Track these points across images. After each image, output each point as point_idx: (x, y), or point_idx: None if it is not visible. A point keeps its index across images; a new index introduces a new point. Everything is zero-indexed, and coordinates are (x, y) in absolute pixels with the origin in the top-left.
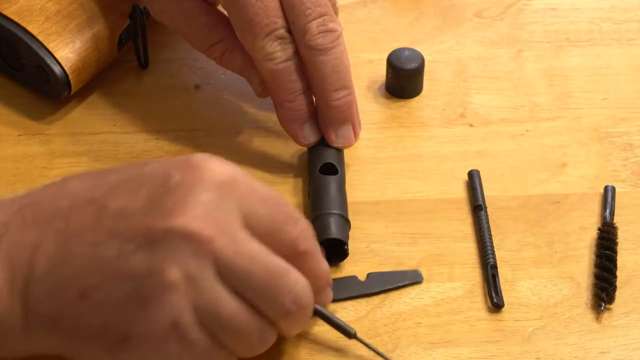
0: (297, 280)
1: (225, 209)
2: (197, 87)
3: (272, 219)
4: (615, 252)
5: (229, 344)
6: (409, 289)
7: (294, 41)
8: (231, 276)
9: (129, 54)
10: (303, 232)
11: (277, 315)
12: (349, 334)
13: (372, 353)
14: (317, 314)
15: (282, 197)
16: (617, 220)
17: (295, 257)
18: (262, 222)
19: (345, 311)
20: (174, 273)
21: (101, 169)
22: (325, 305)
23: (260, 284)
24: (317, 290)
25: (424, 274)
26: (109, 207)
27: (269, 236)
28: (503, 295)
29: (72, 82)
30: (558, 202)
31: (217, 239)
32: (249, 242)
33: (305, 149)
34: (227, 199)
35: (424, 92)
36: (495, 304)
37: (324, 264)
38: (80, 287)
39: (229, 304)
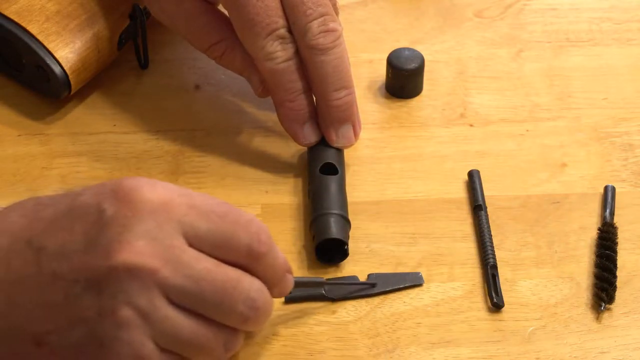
0: (250, 286)
1: (165, 235)
2: (197, 87)
3: (218, 232)
4: (615, 252)
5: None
6: (409, 289)
7: (294, 41)
8: (183, 300)
9: (129, 54)
10: (256, 235)
11: (237, 323)
12: (320, 284)
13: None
14: (296, 286)
15: (226, 205)
16: (617, 220)
17: (252, 260)
18: (208, 237)
19: (345, 311)
20: (125, 311)
21: (39, 200)
22: (286, 292)
23: (214, 300)
24: (276, 282)
25: (424, 274)
26: (47, 248)
27: (220, 248)
28: (503, 295)
29: (72, 82)
30: (558, 202)
31: (161, 268)
32: (195, 262)
33: (305, 149)
34: (165, 223)
35: (424, 92)
36: (495, 304)
37: (280, 255)
38: (34, 333)
39: (187, 326)
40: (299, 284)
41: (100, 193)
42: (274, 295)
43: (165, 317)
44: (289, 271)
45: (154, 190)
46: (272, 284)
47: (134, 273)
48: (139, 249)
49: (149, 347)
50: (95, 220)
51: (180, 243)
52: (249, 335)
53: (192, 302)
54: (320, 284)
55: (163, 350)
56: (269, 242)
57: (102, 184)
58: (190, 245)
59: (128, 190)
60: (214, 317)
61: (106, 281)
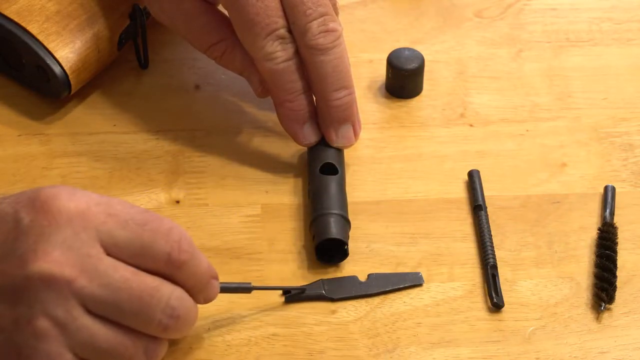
0: (169, 294)
1: (82, 243)
2: (197, 87)
3: (137, 241)
4: (615, 252)
5: None
6: (409, 289)
7: (294, 41)
8: (101, 309)
9: (129, 54)
10: (176, 244)
11: (157, 331)
12: (248, 289)
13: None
14: (222, 291)
15: (147, 213)
16: (617, 220)
17: (173, 268)
18: (127, 246)
19: (345, 311)
20: (42, 322)
21: None
22: (212, 299)
23: (132, 308)
24: (200, 288)
25: (424, 274)
26: None
27: (139, 257)
28: (503, 295)
29: (72, 82)
30: (558, 202)
31: (78, 277)
32: (112, 271)
33: (305, 149)
34: (82, 231)
35: (424, 92)
36: (495, 304)
37: (203, 262)
38: None
39: (104, 335)
40: (224, 289)
41: (17, 202)
42: (199, 302)
43: (83, 327)
44: (214, 277)
45: (72, 198)
46: (195, 291)
47: (50, 283)
48: (55, 258)
49: (67, 357)
50: (11, 229)
51: (97, 252)
52: (173, 342)
53: (109, 311)
54: (248, 289)
55: (82, 359)
56: (190, 250)
57: (21, 192)
58: (109, 254)
59: (45, 199)
60: (132, 326)
61: (22, 291)
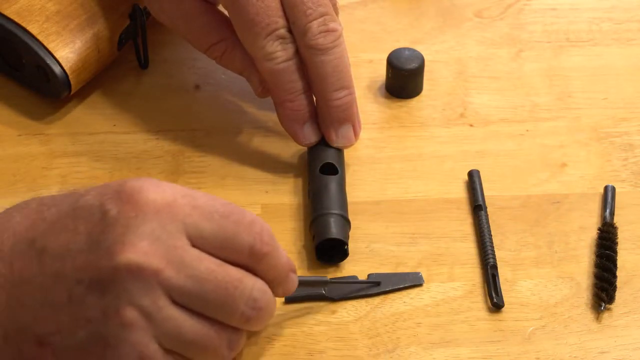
0: (252, 286)
1: (169, 235)
2: (197, 87)
3: (221, 232)
4: (615, 252)
5: None
6: (409, 289)
7: (294, 41)
8: (186, 300)
9: (129, 54)
10: (258, 235)
11: (240, 322)
12: (324, 282)
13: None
14: (300, 285)
15: (230, 205)
16: (617, 220)
17: (255, 260)
18: (212, 238)
19: (345, 311)
20: (129, 312)
21: (42, 200)
22: (291, 292)
23: (216, 300)
24: (280, 281)
25: (424, 274)
26: (50, 248)
27: (222, 248)
28: (503, 295)
29: (72, 82)
30: (558, 202)
31: (165, 268)
32: (198, 262)
33: (305, 149)
34: (169, 223)
35: (424, 92)
36: (495, 304)
37: (283, 255)
38: (36, 334)
39: (190, 326)
40: (303, 283)
41: (103, 194)
42: (277, 295)
43: (169, 318)
44: (293, 270)
45: (158, 190)
46: (275, 284)
47: (137, 273)
48: (142, 249)
49: (153, 347)
50: (98, 221)
51: (183, 243)
52: (251, 335)
53: (195, 302)
54: (324, 283)
55: (167, 350)
56: (272, 242)
57: (105, 184)
58: (194, 245)
59: (131, 191)
60: (216, 317)
61: (110, 281)
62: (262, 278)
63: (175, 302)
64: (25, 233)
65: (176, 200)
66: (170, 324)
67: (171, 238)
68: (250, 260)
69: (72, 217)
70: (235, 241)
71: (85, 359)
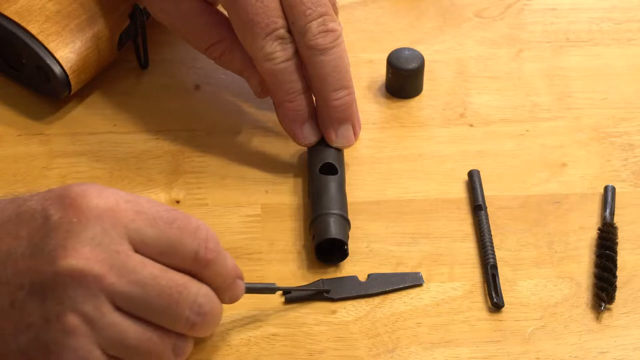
0: (197, 291)
1: (111, 240)
2: (197, 87)
3: (165, 238)
4: (615, 252)
5: None
6: (409, 289)
7: (294, 41)
8: (129, 306)
9: (129, 54)
10: (203, 242)
11: (184, 329)
12: (273, 290)
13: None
14: (247, 292)
15: (175, 211)
16: (617, 220)
17: (200, 266)
18: (155, 243)
19: (345, 311)
20: (71, 318)
21: None
22: (237, 298)
23: (160, 306)
24: (226, 287)
25: (424, 274)
26: None
27: (166, 254)
28: (503, 295)
29: (72, 82)
30: (558, 202)
31: (106, 274)
32: (141, 267)
33: (305, 149)
34: (111, 229)
35: (424, 92)
36: (495, 304)
37: (229, 261)
38: None
39: (133, 332)
40: (250, 289)
41: (46, 199)
42: (224, 302)
43: (112, 324)
44: (240, 277)
45: (101, 196)
46: (221, 290)
47: (80, 279)
48: (84, 255)
49: (96, 354)
50: (40, 226)
51: (126, 249)
52: (199, 341)
53: (138, 308)
54: (272, 290)
55: (110, 356)
56: (217, 249)
57: (49, 190)
58: (137, 251)
59: (74, 196)
60: (160, 323)
61: (51, 287)
62: (208, 284)
63: (118, 308)
64: None
65: (119, 205)
66: (113, 330)
67: (114, 243)
68: (195, 266)
69: (14, 222)
70: (179, 247)
71: None
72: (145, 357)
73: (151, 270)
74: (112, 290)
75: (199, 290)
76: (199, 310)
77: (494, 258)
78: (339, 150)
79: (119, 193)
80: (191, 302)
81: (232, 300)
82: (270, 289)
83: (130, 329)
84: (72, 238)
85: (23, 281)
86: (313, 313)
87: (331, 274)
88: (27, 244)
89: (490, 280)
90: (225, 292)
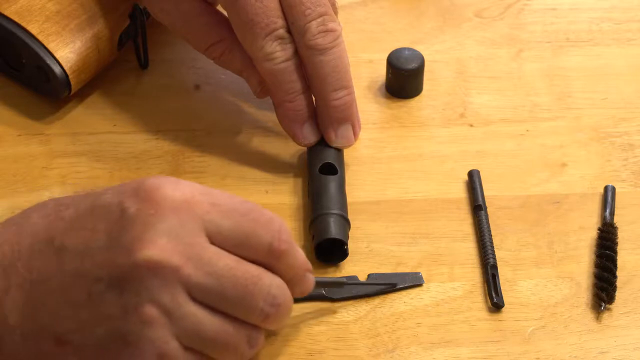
0: (270, 283)
1: (187, 232)
2: (197, 87)
3: (240, 230)
4: (615, 252)
5: (220, 358)
6: (409, 289)
7: (293, 41)
8: (205, 297)
9: (129, 54)
10: (277, 234)
11: (258, 320)
12: (341, 284)
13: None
14: (317, 286)
15: (248, 203)
16: (617, 220)
17: (273, 258)
18: (230, 235)
19: (345, 311)
20: (149, 309)
21: (60, 200)
22: (308, 291)
23: (235, 297)
24: (297, 280)
25: (424, 274)
26: (69, 247)
27: (241, 246)
28: (503, 295)
29: (72, 82)
30: (558, 202)
31: (183, 265)
32: (217, 259)
33: (305, 149)
34: (187, 220)
35: (424, 92)
36: (495, 304)
37: (300, 255)
38: (56, 333)
39: (209, 323)
40: (320, 283)
41: (122, 192)
42: (294, 294)
43: (188, 315)
44: (310, 270)
45: (176, 188)
46: (292, 283)
47: (157, 270)
48: (162, 247)
49: (173, 344)
50: (117, 219)
51: (202, 240)
52: (269, 334)
53: (214, 299)
54: (340, 284)
55: (186, 348)
56: (290, 241)
57: (124, 183)
58: (212, 242)
59: (150, 188)
60: (235, 314)
61: (129, 279)
62: (280, 277)
63: (195, 299)
64: (44, 232)
65: (194, 197)
66: (189, 321)
67: (190, 235)
68: (268, 258)
69: (90, 216)
70: (253, 239)
71: (105, 357)
72: (222, 349)
73: (226, 261)
74: (189, 281)
75: (272, 282)
76: (272, 301)
77: (494, 258)
78: (339, 150)
79: (194, 185)
80: (265, 293)
81: (303, 293)
82: (338, 283)
83: (206, 319)
84: (149, 230)
85: (101, 274)
86: (313, 313)
87: (331, 274)
88: (105, 237)
89: (490, 280)
90: (296, 285)
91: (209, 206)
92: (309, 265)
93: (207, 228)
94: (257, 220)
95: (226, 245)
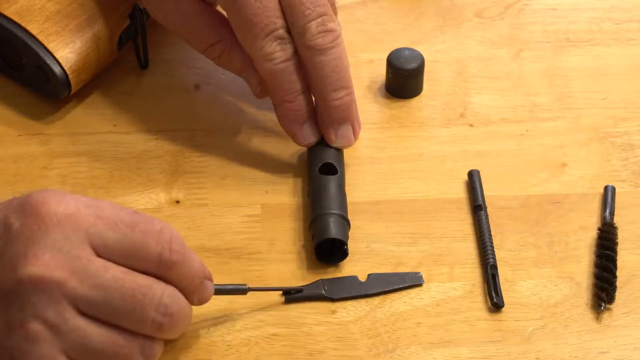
0: (162, 292)
1: (72, 246)
2: (197, 87)
3: (127, 242)
4: (615, 252)
5: None
6: (409, 289)
7: (293, 41)
8: (93, 310)
9: (129, 54)
10: (167, 244)
11: (151, 330)
12: (244, 291)
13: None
14: (216, 293)
15: (137, 214)
16: (617, 220)
17: (164, 268)
18: (117, 247)
19: (345, 311)
20: (34, 325)
21: None
22: (206, 300)
23: (124, 308)
24: (193, 288)
25: (424, 274)
26: None
27: (130, 258)
28: (503, 295)
29: (72, 82)
30: (558, 202)
31: (68, 279)
32: (103, 271)
33: (305, 149)
34: (72, 234)
35: (424, 92)
36: (495, 304)
37: (196, 263)
38: None
39: (97, 335)
40: (219, 291)
41: (7, 207)
42: (193, 303)
43: (75, 328)
44: (208, 278)
45: (61, 202)
46: (189, 292)
47: (41, 286)
48: (45, 261)
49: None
50: (1, 234)
51: (87, 253)
52: (168, 342)
53: (102, 311)
54: (243, 291)
55: None
56: (182, 250)
57: (12, 198)
58: (99, 255)
59: (35, 203)
60: (126, 326)
61: (14, 294)
62: (175, 286)
63: (83, 313)
64: None
65: (79, 210)
66: (77, 335)
67: (74, 248)
68: (160, 268)
69: None
70: (142, 250)
71: None
72: None
73: (114, 273)
74: (74, 295)
75: (164, 292)
76: (165, 311)
77: (494, 258)
78: (339, 151)
79: (79, 199)
80: (156, 303)
81: (201, 301)
82: (240, 290)
83: (94, 332)
84: (32, 245)
85: None
86: (313, 313)
87: (331, 274)
88: None
89: (490, 280)
90: (193, 294)
91: (94, 219)
92: (207, 272)
93: (93, 241)
94: (145, 231)
95: (114, 257)
